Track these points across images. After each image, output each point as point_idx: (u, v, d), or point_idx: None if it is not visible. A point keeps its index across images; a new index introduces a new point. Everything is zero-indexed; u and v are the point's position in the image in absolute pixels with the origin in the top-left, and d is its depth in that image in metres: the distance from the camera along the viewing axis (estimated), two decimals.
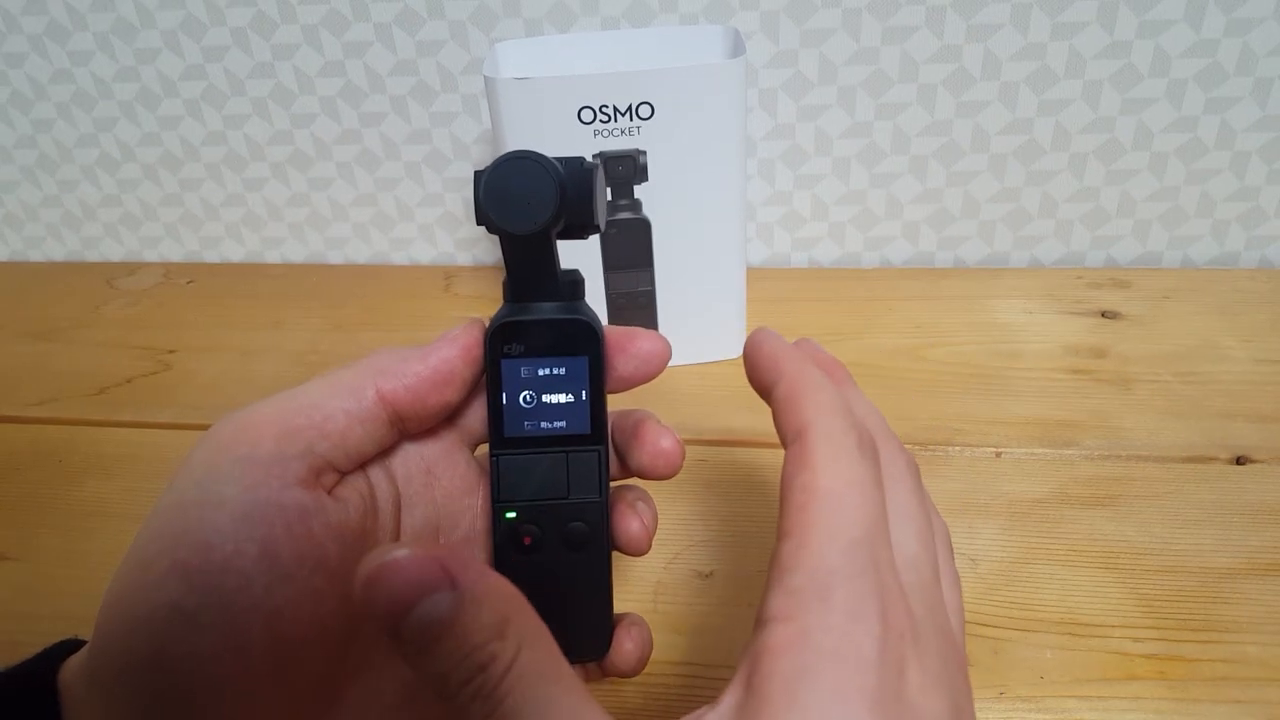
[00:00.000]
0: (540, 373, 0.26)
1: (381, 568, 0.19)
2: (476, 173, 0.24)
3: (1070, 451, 0.46)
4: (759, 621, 0.20)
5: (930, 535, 0.23)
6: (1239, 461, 0.44)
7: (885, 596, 0.19)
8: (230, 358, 0.58)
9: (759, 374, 0.24)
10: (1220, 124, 0.57)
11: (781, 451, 0.22)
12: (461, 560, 0.20)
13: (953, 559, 0.25)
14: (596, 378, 0.26)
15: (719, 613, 0.39)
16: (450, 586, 0.19)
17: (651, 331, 0.27)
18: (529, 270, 0.25)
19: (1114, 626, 0.37)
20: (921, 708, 0.19)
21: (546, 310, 0.26)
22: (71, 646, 0.24)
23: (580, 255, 0.49)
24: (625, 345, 0.27)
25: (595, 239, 0.49)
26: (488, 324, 0.26)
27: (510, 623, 0.20)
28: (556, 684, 0.19)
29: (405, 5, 0.58)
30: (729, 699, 0.19)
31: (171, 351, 0.59)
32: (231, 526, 0.21)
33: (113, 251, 0.72)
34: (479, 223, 0.24)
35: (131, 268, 0.70)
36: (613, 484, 0.28)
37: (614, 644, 0.27)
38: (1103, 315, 0.56)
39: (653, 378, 0.27)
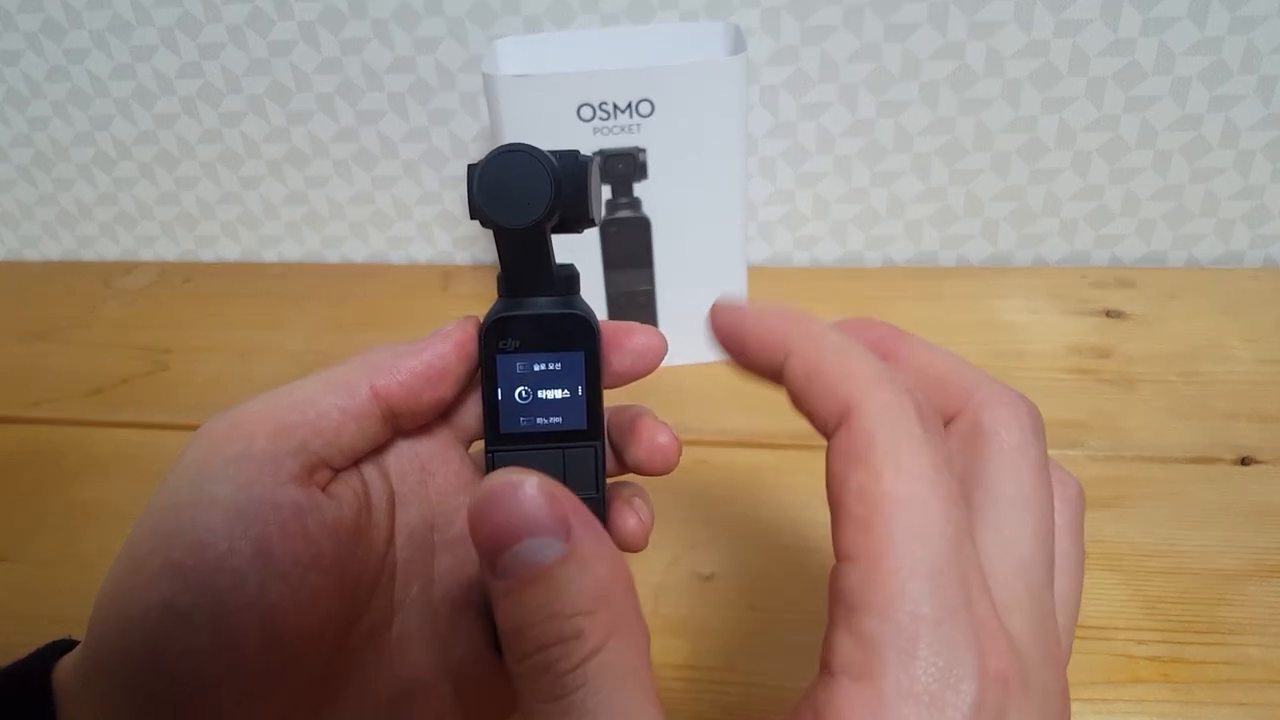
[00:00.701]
0: (536, 368, 0.25)
1: (503, 487, 0.18)
2: (470, 166, 0.24)
3: (1074, 452, 0.45)
4: (825, 667, 0.17)
5: (1047, 516, 0.19)
6: (1244, 462, 0.44)
7: (982, 637, 0.16)
8: (227, 357, 0.58)
9: (761, 349, 0.20)
10: (1225, 122, 0.56)
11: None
12: (585, 519, 0.18)
13: (1080, 528, 0.20)
14: (593, 373, 0.26)
15: (720, 615, 0.38)
16: (564, 537, 0.17)
17: (647, 326, 0.27)
18: (524, 265, 0.25)
19: (1118, 629, 0.36)
20: None
21: (542, 305, 0.25)
22: (65, 646, 0.24)
23: (580, 254, 0.49)
24: (621, 340, 0.26)
25: (595, 238, 0.49)
26: (482, 320, 0.26)
27: (609, 603, 0.17)
28: (637, 691, 0.17)
29: (403, 2, 0.58)
30: None
31: (168, 351, 0.59)
32: (225, 525, 0.21)
33: (108, 250, 0.72)
34: (472, 216, 0.24)
35: (128, 267, 0.70)
36: (609, 480, 0.27)
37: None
38: (1107, 315, 0.56)
39: (649, 372, 0.27)
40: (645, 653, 0.17)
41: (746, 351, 0.20)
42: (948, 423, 0.20)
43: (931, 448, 0.17)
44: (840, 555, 0.17)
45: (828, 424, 0.18)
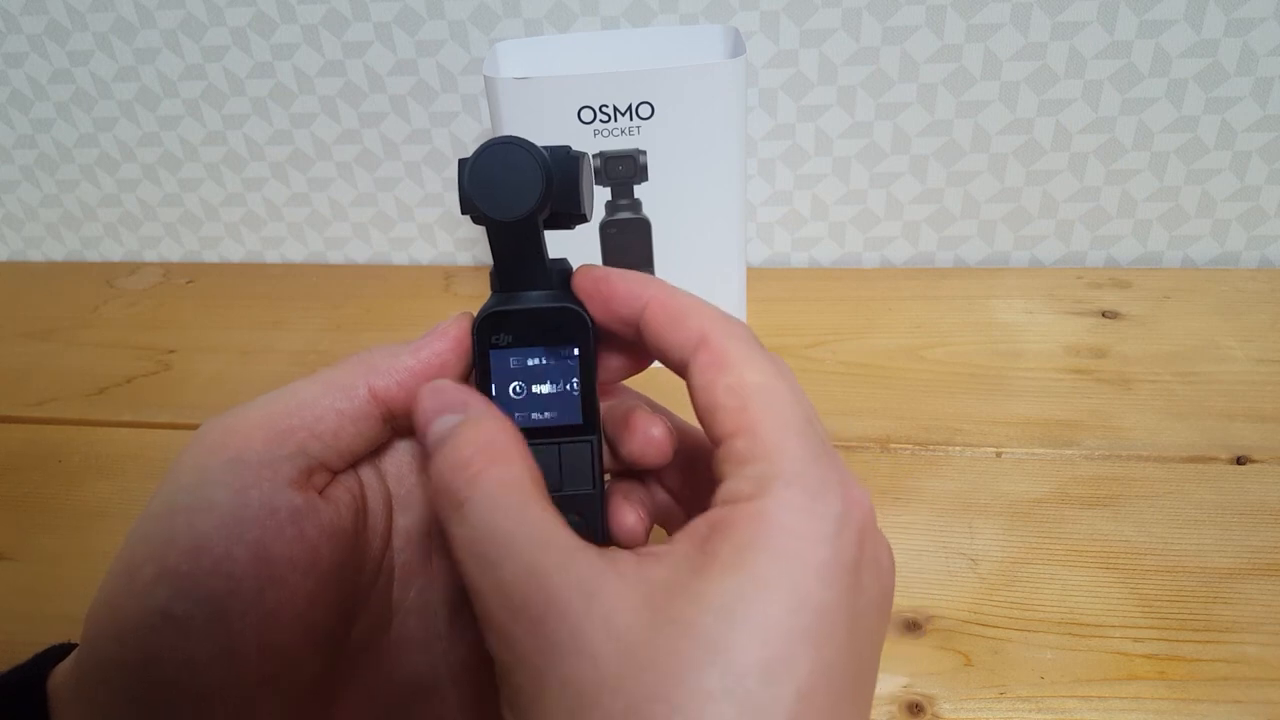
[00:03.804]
0: (529, 363, 0.25)
1: (429, 389, 0.23)
2: (461, 160, 0.23)
3: (1070, 451, 0.46)
4: (718, 503, 0.20)
5: None
6: (1239, 461, 0.44)
7: (842, 472, 0.21)
8: (230, 358, 0.58)
9: (624, 300, 0.24)
10: (1221, 124, 0.57)
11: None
12: (480, 400, 0.23)
13: None
14: (587, 367, 0.25)
15: None
16: (462, 411, 0.22)
17: None
18: (516, 259, 0.25)
19: (1114, 626, 0.37)
20: (869, 587, 0.20)
21: (534, 299, 0.25)
22: (62, 652, 0.23)
23: (580, 255, 0.49)
24: None
25: (595, 240, 0.49)
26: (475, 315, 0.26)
27: (495, 445, 0.21)
28: (519, 495, 0.20)
29: (405, 5, 0.58)
30: (680, 548, 0.20)
31: (171, 351, 0.59)
32: (221, 530, 0.21)
33: (112, 251, 0.72)
34: (464, 211, 0.24)
35: (131, 267, 0.70)
36: (609, 476, 0.27)
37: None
38: (1103, 315, 0.56)
39: (643, 369, 0.27)
40: (533, 480, 0.21)
41: (611, 302, 0.24)
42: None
43: (767, 356, 0.22)
44: (720, 438, 0.21)
45: (685, 350, 0.23)
